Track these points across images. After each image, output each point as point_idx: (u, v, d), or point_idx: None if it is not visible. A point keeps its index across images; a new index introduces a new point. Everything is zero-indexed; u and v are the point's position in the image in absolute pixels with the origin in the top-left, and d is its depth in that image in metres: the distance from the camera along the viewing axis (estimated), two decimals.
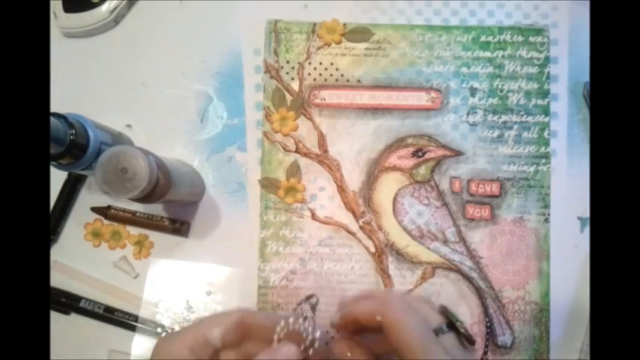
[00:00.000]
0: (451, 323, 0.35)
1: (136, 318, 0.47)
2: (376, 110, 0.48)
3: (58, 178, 0.48)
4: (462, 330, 0.35)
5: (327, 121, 0.48)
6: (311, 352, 0.34)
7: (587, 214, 0.48)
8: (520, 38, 0.49)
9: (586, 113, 0.49)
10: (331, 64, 0.49)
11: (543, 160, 0.48)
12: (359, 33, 0.49)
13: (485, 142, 0.48)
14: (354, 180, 0.48)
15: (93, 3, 0.49)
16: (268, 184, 0.48)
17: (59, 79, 0.48)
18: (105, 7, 0.49)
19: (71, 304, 0.47)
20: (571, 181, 0.48)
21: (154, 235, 0.48)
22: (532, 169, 0.48)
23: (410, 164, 0.48)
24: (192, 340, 0.33)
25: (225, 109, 0.49)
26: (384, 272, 0.47)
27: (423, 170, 0.48)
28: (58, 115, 0.39)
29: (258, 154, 0.48)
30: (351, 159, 0.48)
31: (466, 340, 0.35)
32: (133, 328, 0.46)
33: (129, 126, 0.49)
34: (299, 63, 0.49)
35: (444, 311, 0.37)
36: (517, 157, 0.48)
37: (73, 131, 0.39)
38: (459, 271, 0.47)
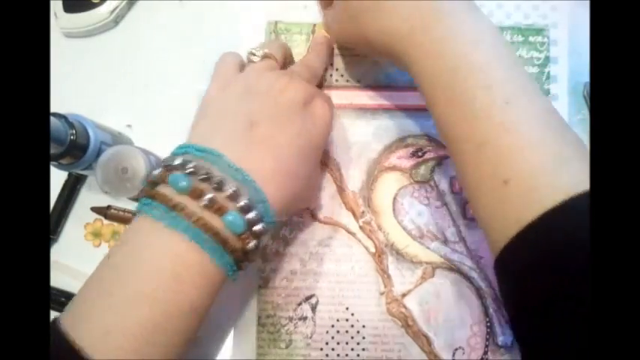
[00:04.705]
0: None
1: None
2: (376, 110, 0.48)
3: (58, 178, 0.48)
4: None
5: None
6: None
7: None
8: (520, 38, 0.49)
9: (586, 113, 0.49)
10: (331, 64, 0.49)
11: None
12: None
13: None
14: (354, 180, 0.48)
15: (93, 3, 0.49)
16: None
17: (59, 79, 0.48)
18: (105, 8, 0.49)
19: None
20: None
21: None
22: None
23: (410, 164, 0.48)
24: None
25: None
26: (384, 272, 0.47)
27: (423, 170, 0.48)
28: (58, 115, 0.39)
29: None
30: (351, 159, 0.48)
31: None
32: None
33: (129, 126, 0.49)
34: None
35: None
36: None
37: (74, 131, 0.39)
38: (458, 271, 0.47)
